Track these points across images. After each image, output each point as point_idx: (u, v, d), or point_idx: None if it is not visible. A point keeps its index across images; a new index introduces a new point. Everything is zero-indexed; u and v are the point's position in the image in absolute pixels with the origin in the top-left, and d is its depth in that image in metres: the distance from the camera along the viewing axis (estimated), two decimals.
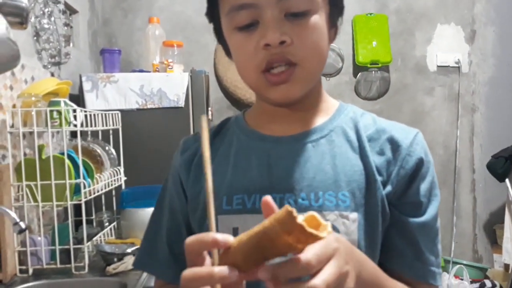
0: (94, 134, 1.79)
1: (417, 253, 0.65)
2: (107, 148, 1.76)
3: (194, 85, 2.12)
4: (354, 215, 0.63)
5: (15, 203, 1.38)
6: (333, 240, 0.44)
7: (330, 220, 0.62)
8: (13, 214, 1.18)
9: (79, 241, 1.47)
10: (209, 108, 2.36)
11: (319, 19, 0.63)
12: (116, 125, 1.85)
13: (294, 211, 0.41)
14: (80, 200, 1.41)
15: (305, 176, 0.64)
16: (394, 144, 0.66)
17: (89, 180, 1.49)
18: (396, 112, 2.88)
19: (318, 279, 0.41)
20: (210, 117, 2.41)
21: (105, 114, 1.75)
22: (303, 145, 0.67)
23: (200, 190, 0.70)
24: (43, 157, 1.41)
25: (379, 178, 0.64)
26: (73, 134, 1.86)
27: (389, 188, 0.65)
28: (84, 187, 1.42)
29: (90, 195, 1.50)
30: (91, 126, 1.60)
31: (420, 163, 0.66)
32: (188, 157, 0.73)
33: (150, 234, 0.75)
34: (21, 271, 1.37)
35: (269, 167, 0.66)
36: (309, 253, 0.41)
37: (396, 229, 0.66)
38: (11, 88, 1.55)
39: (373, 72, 2.82)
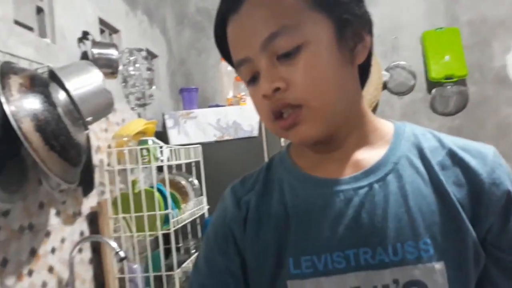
0: (178, 167, 1.93)
1: None
2: (190, 179, 1.89)
3: None
4: (440, 265, 0.54)
5: (112, 234, 1.52)
6: None
7: (415, 276, 0.53)
8: (114, 244, 1.30)
9: (169, 267, 1.58)
10: None
11: (317, 50, 0.55)
12: (198, 158, 1.97)
13: None
14: (169, 229, 1.52)
15: (377, 225, 0.55)
16: (471, 173, 0.57)
17: (176, 210, 1.61)
18: (478, 127, 2.74)
19: None
20: (282, 144, 2.47)
21: (187, 148, 1.88)
22: (368, 186, 0.57)
23: (266, 247, 0.60)
24: (135, 191, 1.55)
25: (464, 215, 0.55)
26: (160, 168, 2.01)
27: (479, 226, 0.56)
28: (173, 217, 1.53)
29: (178, 224, 1.62)
30: (175, 160, 1.73)
31: (510, 189, 0.57)
32: (243, 209, 0.64)
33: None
34: None
35: (334, 219, 0.57)
36: None
37: (497, 268, 0.57)
38: (106, 130, 1.74)
39: (449, 86, 2.73)
